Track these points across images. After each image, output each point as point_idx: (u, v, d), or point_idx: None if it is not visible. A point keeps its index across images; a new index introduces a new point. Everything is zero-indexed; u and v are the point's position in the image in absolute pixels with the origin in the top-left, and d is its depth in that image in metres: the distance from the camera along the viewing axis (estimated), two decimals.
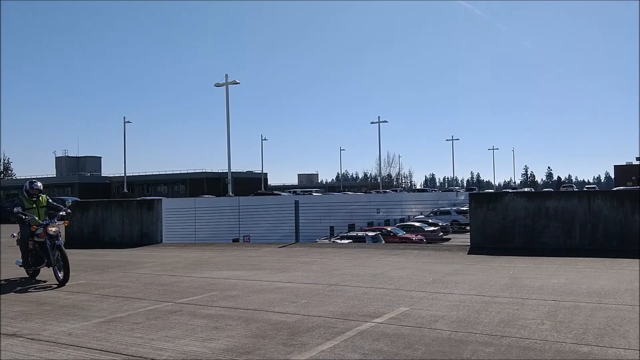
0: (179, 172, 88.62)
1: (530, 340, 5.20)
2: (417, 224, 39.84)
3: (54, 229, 9.38)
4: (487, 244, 13.23)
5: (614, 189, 38.55)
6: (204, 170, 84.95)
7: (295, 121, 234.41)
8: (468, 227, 16.18)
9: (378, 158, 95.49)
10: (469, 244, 13.65)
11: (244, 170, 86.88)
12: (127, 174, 66.37)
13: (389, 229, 34.81)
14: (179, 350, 5.18)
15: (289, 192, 60.41)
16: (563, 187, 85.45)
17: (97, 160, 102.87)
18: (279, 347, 5.17)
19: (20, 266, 10.08)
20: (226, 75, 39.90)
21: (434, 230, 37.82)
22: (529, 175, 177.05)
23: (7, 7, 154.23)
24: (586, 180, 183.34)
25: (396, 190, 77.35)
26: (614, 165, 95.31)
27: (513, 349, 4.94)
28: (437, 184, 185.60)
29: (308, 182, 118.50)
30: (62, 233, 9.86)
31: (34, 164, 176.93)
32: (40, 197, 10.03)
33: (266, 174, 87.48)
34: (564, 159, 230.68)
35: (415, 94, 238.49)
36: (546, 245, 12.66)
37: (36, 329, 6.22)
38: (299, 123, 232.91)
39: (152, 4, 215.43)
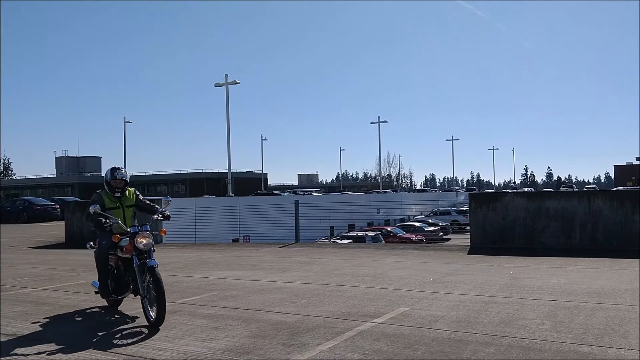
0: (179, 172, 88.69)
1: (530, 340, 5.20)
2: (417, 224, 39.84)
3: (145, 240, 6.27)
4: (487, 244, 13.23)
5: (614, 189, 38.55)
6: (204, 170, 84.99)
7: (295, 121, 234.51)
8: (468, 227, 16.19)
9: (378, 158, 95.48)
10: (469, 244, 13.65)
11: (244, 170, 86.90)
12: None
13: (389, 229, 34.81)
14: (179, 350, 5.18)
15: (289, 192, 60.40)
16: (563, 187, 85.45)
17: (97, 160, 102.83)
18: (279, 347, 5.17)
19: (97, 292, 7.01)
20: (226, 75, 39.96)
21: (434, 230, 37.82)
22: (529, 175, 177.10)
23: (7, 7, 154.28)
24: (586, 180, 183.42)
25: (396, 191, 77.36)
26: (614, 165, 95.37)
27: (513, 349, 4.94)
28: (437, 184, 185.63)
29: (308, 182, 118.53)
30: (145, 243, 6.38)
31: (34, 164, 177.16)
32: (127, 192, 7.07)
33: (266, 174, 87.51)
34: (564, 159, 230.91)
35: (415, 94, 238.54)
36: (546, 245, 12.65)
37: (36, 329, 6.21)
38: (299, 123, 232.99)
39: (153, 4, 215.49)
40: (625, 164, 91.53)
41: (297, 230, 16.22)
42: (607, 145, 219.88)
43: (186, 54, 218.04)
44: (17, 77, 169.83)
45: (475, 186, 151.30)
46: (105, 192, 6.93)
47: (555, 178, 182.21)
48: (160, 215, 6.81)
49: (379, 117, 72.89)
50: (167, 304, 6.09)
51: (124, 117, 62.24)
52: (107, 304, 7.22)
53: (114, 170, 6.96)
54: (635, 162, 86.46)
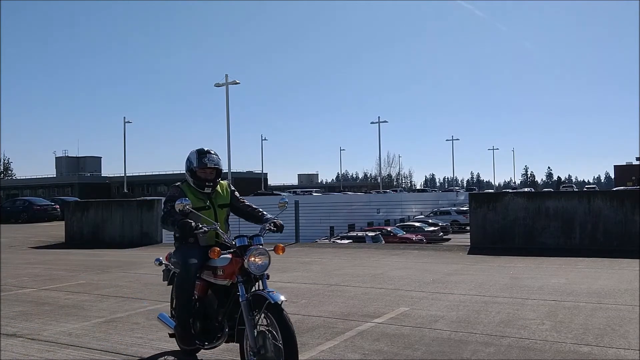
0: (179, 172, 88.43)
1: (530, 340, 5.20)
2: (417, 224, 39.80)
3: (260, 260, 4.26)
4: (487, 244, 13.23)
5: (614, 189, 38.55)
6: None
7: (296, 121, 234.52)
8: (468, 227, 16.19)
9: (378, 158, 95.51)
10: (469, 244, 13.65)
11: (244, 170, 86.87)
12: (127, 174, 66.37)
13: (389, 229, 34.78)
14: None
15: (289, 192, 60.38)
16: (563, 187, 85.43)
17: (97, 160, 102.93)
18: None
19: (171, 334, 4.96)
20: (226, 75, 39.89)
21: (434, 230, 37.79)
22: (529, 175, 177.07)
23: (7, 7, 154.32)
24: (586, 180, 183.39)
25: (396, 191, 77.34)
26: (614, 165, 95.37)
27: (513, 349, 4.94)
28: (437, 184, 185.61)
29: (308, 182, 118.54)
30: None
31: (34, 164, 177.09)
32: (219, 187, 4.91)
33: (266, 174, 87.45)
34: (564, 159, 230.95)
35: (415, 94, 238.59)
36: (546, 245, 12.65)
37: (36, 329, 6.21)
38: (299, 123, 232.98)
39: (153, 4, 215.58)
40: (625, 164, 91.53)
41: (297, 230, 16.21)
42: (607, 145, 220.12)
43: (186, 54, 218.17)
44: (17, 77, 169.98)
45: (475, 186, 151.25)
46: (187, 186, 4.76)
47: (555, 178, 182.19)
48: (271, 225, 4.62)
49: (379, 117, 72.90)
50: (166, 304, 6.02)
51: (124, 117, 62.18)
52: (178, 344, 4.83)
53: (202, 154, 4.71)
54: (635, 162, 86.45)
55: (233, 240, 4.33)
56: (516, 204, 13.19)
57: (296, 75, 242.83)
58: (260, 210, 5.02)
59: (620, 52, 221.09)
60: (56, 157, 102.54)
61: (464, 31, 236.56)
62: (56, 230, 22.96)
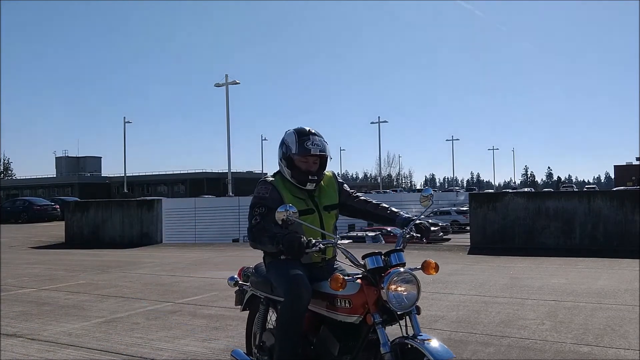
0: (179, 172, 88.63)
1: (530, 340, 5.20)
2: None
3: (407, 290, 2.89)
4: (487, 244, 13.23)
5: (614, 189, 38.56)
6: (204, 170, 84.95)
7: (295, 121, 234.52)
8: (468, 227, 16.19)
9: (378, 158, 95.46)
10: (469, 244, 13.65)
11: (244, 170, 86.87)
12: (127, 174, 66.40)
13: (389, 229, 34.75)
14: (179, 350, 5.18)
15: None
16: (563, 187, 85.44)
17: (97, 160, 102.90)
18: None
19: None
20: (226, 76, 39.92)
21: (434, 231, 37.83)
22: (529, 175, 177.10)
23: (7, 7, 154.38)
24: (586, 180, 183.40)
25: (396, 190, 77.35)
26: (614, 165, 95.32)
27: (513, 349, 4.94)
28: (437, 184, 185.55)
29: None
30: None
31: (34, 164, 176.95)
32: (325, 177, 3.53)
33: (266, 174, 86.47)
34: (564, 159, 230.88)
35: (416, 94, 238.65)
36: (546, 245, 12.65)
37: (36, 329, 6.21)
38: (299, 123, 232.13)
39: (153, 3, 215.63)
40: (625, 164, 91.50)
41: None
42: (607, 145, 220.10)
43: (186, 54, 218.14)
44: (17, 77, 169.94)
45: (475, 186, 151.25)
46: (281, 180, 3.44)
47: (555, 178, 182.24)
48: (414, 232, 3.30)
49: (379, 117, 72.86)
50: (166, 304, 6.05)
51: (124, 117, 62.20)
52: None
53: (303, 135, 3.40)
54: (635, 162, 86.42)
55: (361, 260, 3.00)
56: (516, 204, 13.20)
57: (296, 75, 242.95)
58: (387, 206, 3.60)
59: (620, 52, 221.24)
60: (56, 157, 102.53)
61: (464, 31, 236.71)
62: (56, 230, 22.97)
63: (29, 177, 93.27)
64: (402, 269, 2.89)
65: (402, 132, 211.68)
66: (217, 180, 75.77)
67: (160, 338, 5.63)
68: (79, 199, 31.33)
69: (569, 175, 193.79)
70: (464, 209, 44.54)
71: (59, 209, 32.78)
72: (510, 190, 36.73)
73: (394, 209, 3.57)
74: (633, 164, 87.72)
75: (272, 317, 3.63)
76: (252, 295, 3.78)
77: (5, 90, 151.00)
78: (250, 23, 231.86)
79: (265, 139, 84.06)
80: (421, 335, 2.82)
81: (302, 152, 3.35)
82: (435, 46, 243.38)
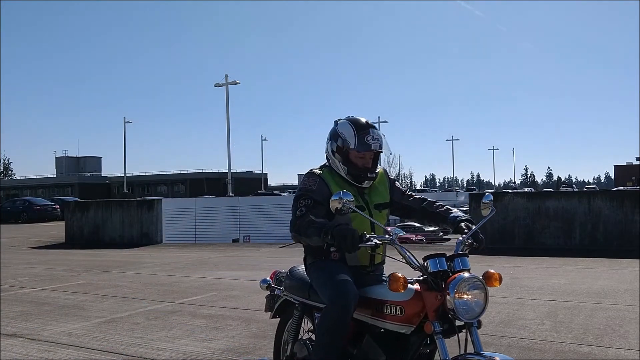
0: (179, 172, 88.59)
1: (530, 340, 5.20)
2: (417, 224, 39.78)
3: (474, 298, 2.60)
4: (487, 244, 13.12)
5: (614, 189, 38.54)
6: (204, 170, 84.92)
7: (296, 121, 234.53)
8: None
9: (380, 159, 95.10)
10: None
11: (244, 171, 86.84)
12: (127, 174, 66.37)
13: (389, 229, 34.71)
14: (179, 350, 5.18)
15: (289, 192, 60.35)
16: (563, 187, 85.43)
17: (97, 160, 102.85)
18: None
19: None
20: (226, 76, 39.85)
21: (434, 231, 37.78)
22: (529, 175, 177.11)
23: (8, 7, 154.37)
24: (586, 180, 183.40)
25: None
26: (614, 165, 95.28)
27: (513, 349, 4.93)
28: (437, 184, 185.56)
29: None
30: None
31: (34, 164, 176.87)
32: (377, 175, 3.22)
33: (266, 174, 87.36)
34: (564, 159, 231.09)
35: (416, 94, 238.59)
36: (546, 245, 12.65)
37: (36, 329, 6.21)
38: (299, 123, 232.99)
39: (153, 4, 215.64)
40: (625, 164, 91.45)
41: None
42: (607, 145, 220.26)
43: (186, 54, 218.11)
44: (17, 77, 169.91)
45: (475, 186, 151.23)
46: (330, 173, 3.19)
47: (555, 178, 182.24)
48: (470, 239, 3.00)
49: (379, 117, 72.52)
50: (166, 304, 6.05)
51: (124, 117, 62.01)
52: None
53: (362, 129, 3.11)
54: (635, 162, 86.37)
55: (423, 262, 2.73)
56: (516, 204, 13.19)
57: (296, 75, 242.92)
58: (442, 204, 3.36)
59: (620, 52, 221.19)
60: (56, 157, 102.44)
61: (464, 31, 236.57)
62: (56, 230, 22.97)
63: (29, 177, 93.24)
64: (467, 274, 2.59)
65: (402, 132, 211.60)
66: (217, 180, 75.76)
67: (160, 338, 5.62)
68: (79, 199, 31.32)
69: (569, 175, 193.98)
70: (464, 209, 44.59)
71: (59, 209, 32.79)
72: (510, 190, 36.73)
73: (448, 206, 3.34)
74: (633, 164, 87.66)
75: (305, 326, 3.42)
76: (285, 301, 3.52)
77: (6, 90, 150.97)
78: (251, 23, 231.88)
79: (265, 139, 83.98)
80: (485, 353, 2.52)
81: (363, 148, 3.07)
82: (435, 46, 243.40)
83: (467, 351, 2.60)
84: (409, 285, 2.69)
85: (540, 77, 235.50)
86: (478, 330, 2.63)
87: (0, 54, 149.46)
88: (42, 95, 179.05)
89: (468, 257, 2.76)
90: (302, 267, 3.32)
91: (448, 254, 2.78)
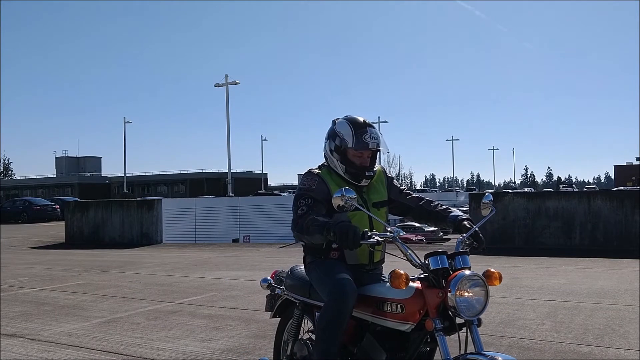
0: (179, 172, 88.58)
1: (530, 340, 5.20)
2: (417, 224, 39.75)
3: (475, 295, 2.62)
4: (487, 244, 13.13)
5: (614, 189, 38.55)
6: (204, 170, 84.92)
7: (296, 121, 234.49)
8: None
9: (378, 158, 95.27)
10: None
11: (244, 171, 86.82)
12: (127, 174, 66.36)
13: (389, 229, 34.73)
14: (179, 350, 5.18)
15: (289, 192, 60.36)
16: (563, 187, 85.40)
17: (97, 160, 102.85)
18: None
19: None
20: (226, 76, 39.84)
21: (434, 231, 37.77)
22: (529, 175, 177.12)
23: (8, 7, 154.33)
24: (586, 180, 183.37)
25: None
26: (614, 165, 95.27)
27: (513, 349, 4.93)
28: (437, 184, 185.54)
29: None
30: None
31: (34, 164, 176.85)
32: (375, 173, 3.25)
33: (266, 174, 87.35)
34: (564, 159, 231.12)
35: (416, 94, 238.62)
36: (546, 245, 12.65)
37: (36, 329, 6.21)
38: (299, 123, 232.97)
39: (152, 4, 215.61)
40: (625, 164, 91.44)
41: None
42: (607, 145, 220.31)
43: (186, 54, 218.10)
44: (17, 77, 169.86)
45: (475, 186, 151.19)
46: (329, 173, 3.21)
47: (555, 178, 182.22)
48: (470, 239, 3.05)
49: (379, 117, 72.57)
50: (166, 304, 6.05)
51: (124, 117, 61.94)
52: None
53: (360, 128, 3.13)
54: (635, 162, 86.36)
55: (424, 260, 2.73)
56: (516, 204, 13.19)
57: (296, 75, 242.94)
58: (441, 203, 3.38)
59: (620, 52, 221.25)
60: (56, 157, 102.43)
61: (464, 31, 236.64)
62: (56, 230, 22.97)
63: (29, 177, 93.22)
64: (468, 272, 2.61)
65: (402, 132, 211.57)
66: (217, 180, 75.77)
67: (160, 338, 5.62)
68: (79, 199, 31.32)
69: (569, 175, 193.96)
70: (464, 209, 44.58)
71: (59, 209, 32.78)
72: (510, 191, 36.73)
73: (448, 206, 3.35)
74: (633, 164, 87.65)
75: (305, 326, 3.46)
76: (285, 301, 3.55)
77: (6, 90, 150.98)
78: (251, 23, 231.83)
79: (265, 139, 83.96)
80: (487, 353, 2.51)
81: (360, 146, 3.09)
82: (435, 46, 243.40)
83: (468, 351, 2.62)
84: (410, 283, 2.70)
85: (540, 77, 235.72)
86: (478, 329, 2.66)
87: (0, 54, 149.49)
88: (42, 95, 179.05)
89: (469, 255, 2.80)
90: (303, 266, 3.35)
91: (449, 252, 2.80)
